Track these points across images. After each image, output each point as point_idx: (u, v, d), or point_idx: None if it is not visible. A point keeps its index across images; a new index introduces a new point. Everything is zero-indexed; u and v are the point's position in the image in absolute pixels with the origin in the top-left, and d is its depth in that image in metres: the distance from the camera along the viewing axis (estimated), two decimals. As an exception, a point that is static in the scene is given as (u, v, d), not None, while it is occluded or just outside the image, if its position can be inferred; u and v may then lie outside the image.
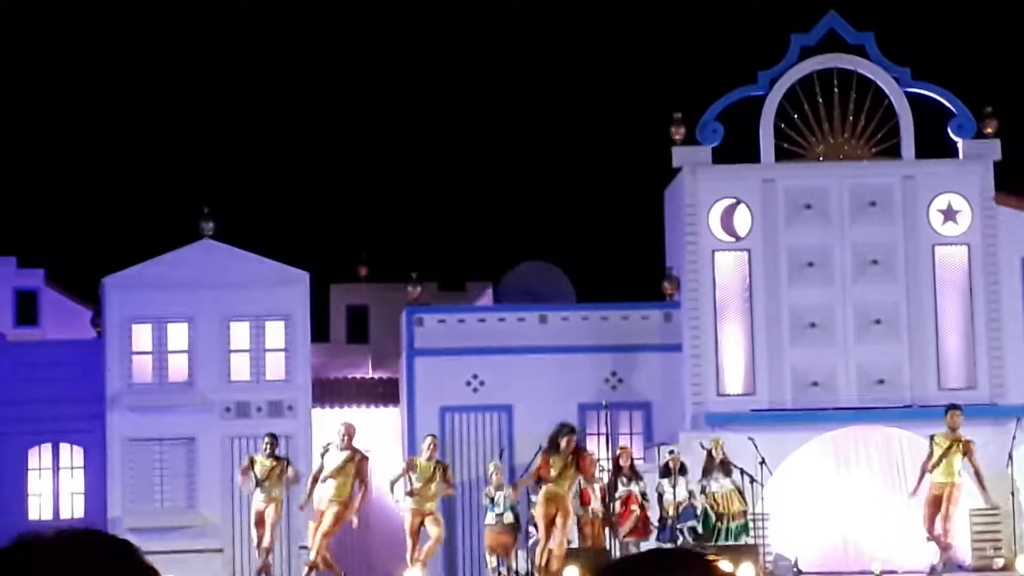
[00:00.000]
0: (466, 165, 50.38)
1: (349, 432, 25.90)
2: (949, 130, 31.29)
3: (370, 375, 35.87)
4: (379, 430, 32.17)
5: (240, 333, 31.47)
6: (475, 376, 31.16)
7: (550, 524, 23.41)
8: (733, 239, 30.96)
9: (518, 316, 31.64)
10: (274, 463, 26.89)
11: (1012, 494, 27.55)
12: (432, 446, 26.26)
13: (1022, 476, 27.73)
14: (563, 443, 23.44)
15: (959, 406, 26.92)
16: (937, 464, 26.29)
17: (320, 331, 35.48)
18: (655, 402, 31.17)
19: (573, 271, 35.53)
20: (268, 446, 26.96)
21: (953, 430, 26.52)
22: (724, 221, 30.98)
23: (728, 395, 30.56)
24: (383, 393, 33.80)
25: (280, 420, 30.64)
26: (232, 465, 30.19)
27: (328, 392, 33.27)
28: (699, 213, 30.90)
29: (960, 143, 31.23)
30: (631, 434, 31.07)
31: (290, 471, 27.04)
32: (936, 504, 26.31)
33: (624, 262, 41.05)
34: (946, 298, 30.82)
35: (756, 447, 27.31)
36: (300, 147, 50.28)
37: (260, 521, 26.82)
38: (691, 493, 26.91)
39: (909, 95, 31.33)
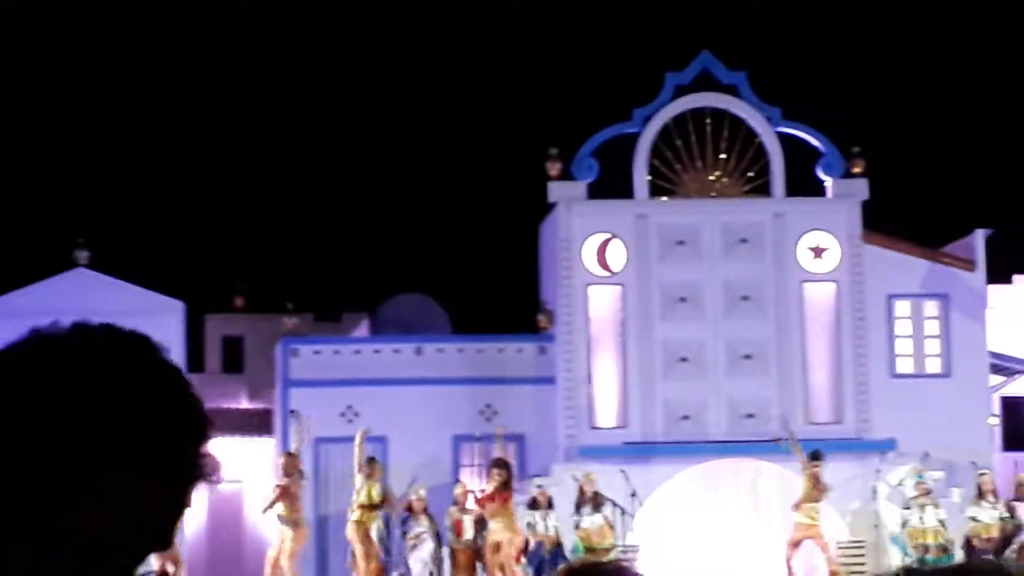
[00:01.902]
0: (344, 196, 50.47)
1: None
2: (818, 169, 31.90)
3: (245, 405, 35.80)
4: (253, 460, 32.11)
5: (114, 363, 31.24)
6: (350, 407, 31.19)
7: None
8: (607, 274, 31.31)
9: (394, 348, 31.75)
10: None
11: (876, 527, 28.09)
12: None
13: (886, 510, 28.28)
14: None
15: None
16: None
17: (195, 361, 35.39)
18: (529, 434, 31.36)
19: (449, 303, 35.77)
20: None
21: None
22: (598, 256, 31.32)
23: (601, 428, 30.85)
24: (258, 424, 33.75)
25: (153, 450, 30.44)
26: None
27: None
28: (573, 248, 31.22)
29: (829, 182, 31.86)
30: (505, 466, 31.21)
31: None
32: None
33: (500, 295, 41.35)
34: (814, 334, 31.37)
35: (627, 479, 27.65)
36: (178, 177, 50.08)
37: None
38: (557, 528, 27.11)
39: (780, 134, 31.92)
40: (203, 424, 2.10)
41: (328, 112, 51.88)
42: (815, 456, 27.33)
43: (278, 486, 26.74)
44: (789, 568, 26.96)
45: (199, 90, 51.48)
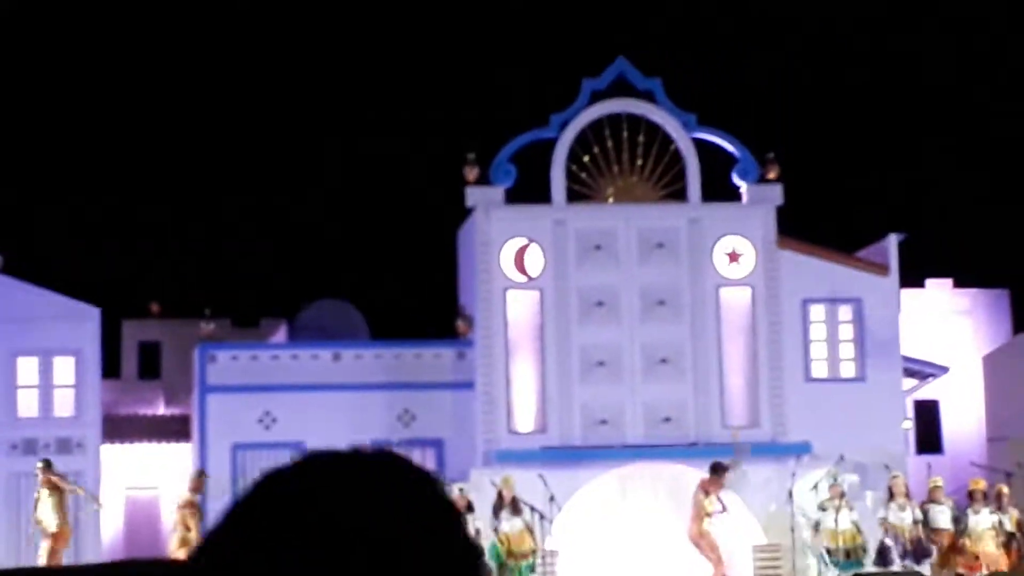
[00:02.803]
0: (261, 201, 50.32)
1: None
2: (733, 175, 32.14)
3: (162, 412, 35.64)
4: (170, 467, 31.98)
5: (28, 369, 31.07)
6: (267, 413, 31.13)
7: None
8: (525, 278, 31.39)
9: (312, 353, 31.71)
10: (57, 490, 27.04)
11: (792, 530, 28.35)
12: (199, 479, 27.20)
13: (802, 513, 28.54)
14: None
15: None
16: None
17: (111, 367, 35.18)
18: (447, 439, 31.41)
19: (367, 308, 35.76)
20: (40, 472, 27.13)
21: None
22: (516, 261, 31.40)
23: (519, 433, 30.93)
24: (175, 430, 33.63)
25: (69, 457, 30.29)
26: (18, 503, 29.76)
27: (119, 429, 33.00)
28: (491, 252, 31.29)
29: (744, 187, 32.10)
30: (423, 471, 31.23)
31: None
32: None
33: (418, 300, 41.38)
34: (730, 338, 31.59)
35: (546, 484, 27.76)
36: (94, 182, 49.76)
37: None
38: (479, 531, 27.21)
39: (695, 140, 32.13)
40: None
41: (245, 114, 51.70)
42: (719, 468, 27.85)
43: (180, 506, 27.08)
44: (708, 550, 27.31)
45: (111, 90, 51.18)
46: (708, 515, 27.52)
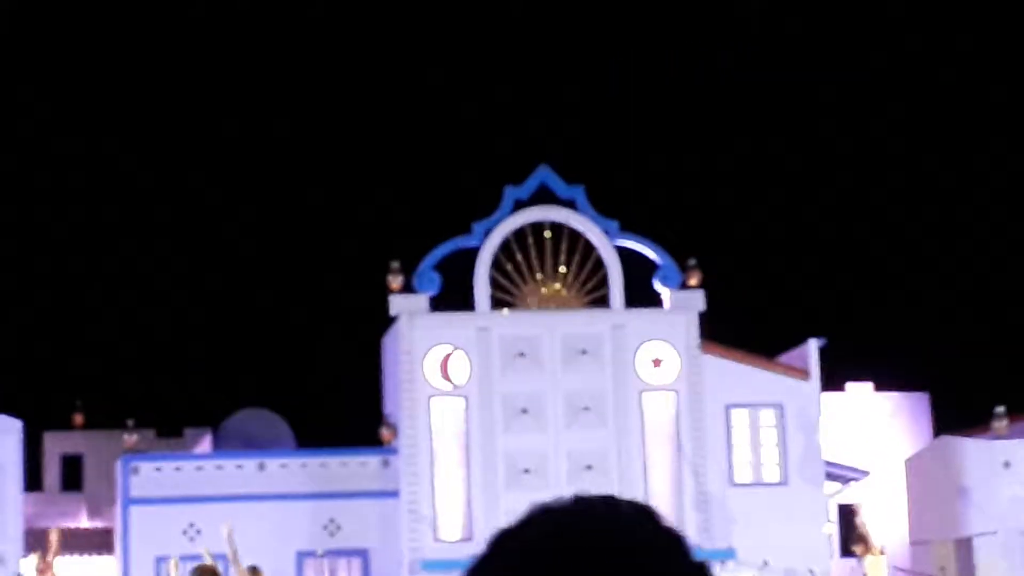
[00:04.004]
0: (185, 309, 50.21)
1: None
2: (655, 281, 32.40)
3: (85, 524, 35.30)
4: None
5: (-51, 482, 30.75)
6: (192, 525, 30.91)
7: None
8: (450, 386, 31.45)
9: (236, 463, 31.58)
10: None
11: (718, 634, 28.39)
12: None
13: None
14: None
15: None
16: None
17: (33, 480, 34.85)
18: (373, 549, 31.28)
19: (292, 417, 35.67)
20: None
21: None
22: (441, 368, 31.47)
23: (445, 541, 30.85)
24: (98, 543, 33.31)
25: (-10, 571, 29.94)
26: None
27: (41, 542, 32.62)
28: (416, 360, 31.35)
29: (666, 294, 32.37)
30: (349, 581, 31.12)
31: None
32: None
33: (343, 409, 41.28)
34: (654, 444, 31.71)
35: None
36: (14, 292, 49.50)
37: None
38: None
39: (618, 247, 32.40)
40: None
41: (171, 230, 51.70)
42: None
43: None
44: None
45: (26, 197, 51.06)
46: None
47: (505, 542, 2.03)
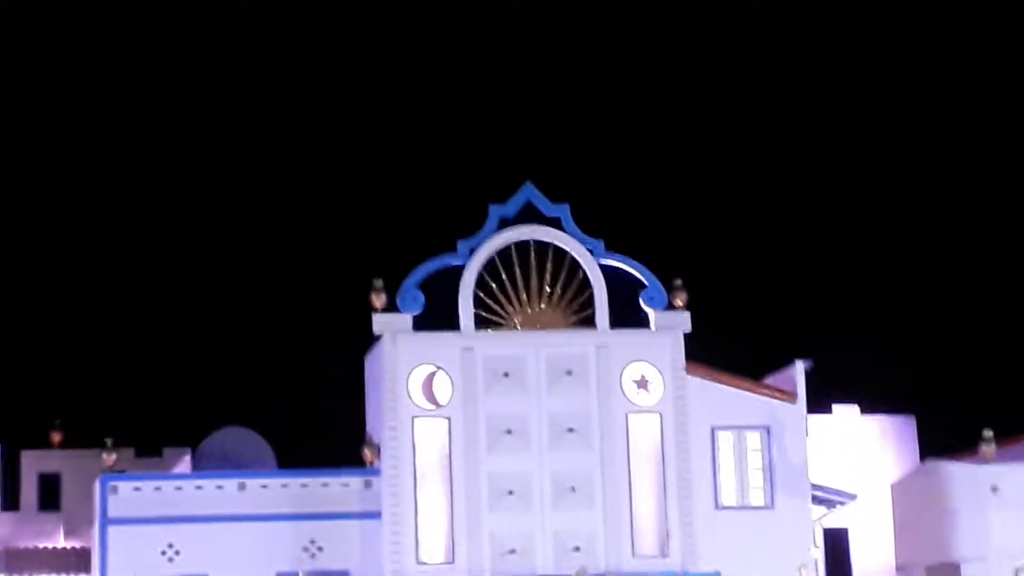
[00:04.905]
0: (163, 328, 49.91)
1: None
2: (641, 301, 32.20)
3: (62, 544, 34.99)
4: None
5: (-75, 501, 30.47)
6: (171, 545, 30.66)
7: None
8: (433, 406, 31.24)
9: (216, 483, 31.29)
10: None
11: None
12: None
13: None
14: None
15: None
16: None
17: (10, 499, 34.57)
18: (354, 570, 31.05)
19: (273, 436, 35.34)
20: None
21: None
22: (424, 388, 31.27)
23: (427, 563, 30.62)
24: (75, 563, 33.02)
25: (-35, 592, 29.64)
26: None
27: (17, 562, 32.34)
28: (399, 380, 31.15)
29: (652, 314, 32.16)
30: (330, 603, 30.92)
31: None
32: None
33: (325, 428, 40.97)
34: (639, 466, 31.50)
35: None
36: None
37: None
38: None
39: (603, 267, 32.20)
40: None
41: (150, 245, 51.41)
42: None
43: None
44: None
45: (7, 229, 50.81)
46: None
47: None
